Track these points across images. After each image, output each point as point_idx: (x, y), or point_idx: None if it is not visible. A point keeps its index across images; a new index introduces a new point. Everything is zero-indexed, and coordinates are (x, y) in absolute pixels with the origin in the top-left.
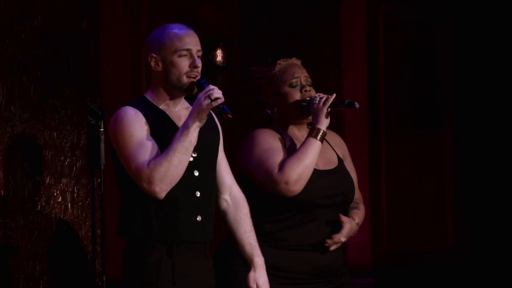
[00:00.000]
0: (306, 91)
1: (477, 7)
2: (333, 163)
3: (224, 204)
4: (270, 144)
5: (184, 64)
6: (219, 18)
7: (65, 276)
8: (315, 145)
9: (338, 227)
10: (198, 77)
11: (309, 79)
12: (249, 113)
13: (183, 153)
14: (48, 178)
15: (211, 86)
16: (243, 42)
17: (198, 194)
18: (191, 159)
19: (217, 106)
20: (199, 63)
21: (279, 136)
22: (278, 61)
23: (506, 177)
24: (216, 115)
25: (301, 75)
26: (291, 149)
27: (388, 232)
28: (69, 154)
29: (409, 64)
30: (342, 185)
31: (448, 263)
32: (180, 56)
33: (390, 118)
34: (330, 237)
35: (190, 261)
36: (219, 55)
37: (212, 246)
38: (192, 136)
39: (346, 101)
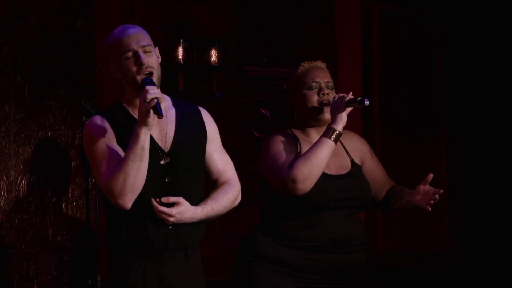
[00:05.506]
0: (324, 94)
1: (472, 8)
2: (346, 168)
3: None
4: (282, 146)
5: (132, 65)
6: (214, 18)
7: (59, 276)
8: (326, 145)
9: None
10: (152, 72)
11: (330, 83)
12: (243, 113)
13: (138, 160)
14: (43, 177)
15: (146, 88)
16: (237, 42)
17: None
18: (162, 162)
19: (153, 107)
20: (143, 59)
21: (294, 140)
22: (302, 63)
23: (501, 179)
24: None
25: (322, 80)
26: None
27: (383, 232)
28: (63, 154)
29: (403, 65)
30: (356, 189)
31: (443, 264)
32: (126, 59)
33: (385, 119)
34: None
35: (164, 264)
36: (214, 55)
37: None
38: (143, 141)
39: (358, 98)
